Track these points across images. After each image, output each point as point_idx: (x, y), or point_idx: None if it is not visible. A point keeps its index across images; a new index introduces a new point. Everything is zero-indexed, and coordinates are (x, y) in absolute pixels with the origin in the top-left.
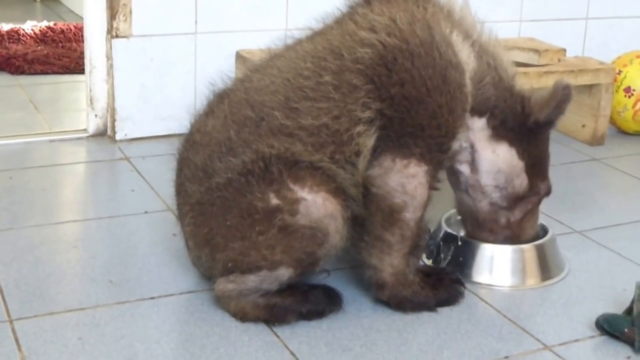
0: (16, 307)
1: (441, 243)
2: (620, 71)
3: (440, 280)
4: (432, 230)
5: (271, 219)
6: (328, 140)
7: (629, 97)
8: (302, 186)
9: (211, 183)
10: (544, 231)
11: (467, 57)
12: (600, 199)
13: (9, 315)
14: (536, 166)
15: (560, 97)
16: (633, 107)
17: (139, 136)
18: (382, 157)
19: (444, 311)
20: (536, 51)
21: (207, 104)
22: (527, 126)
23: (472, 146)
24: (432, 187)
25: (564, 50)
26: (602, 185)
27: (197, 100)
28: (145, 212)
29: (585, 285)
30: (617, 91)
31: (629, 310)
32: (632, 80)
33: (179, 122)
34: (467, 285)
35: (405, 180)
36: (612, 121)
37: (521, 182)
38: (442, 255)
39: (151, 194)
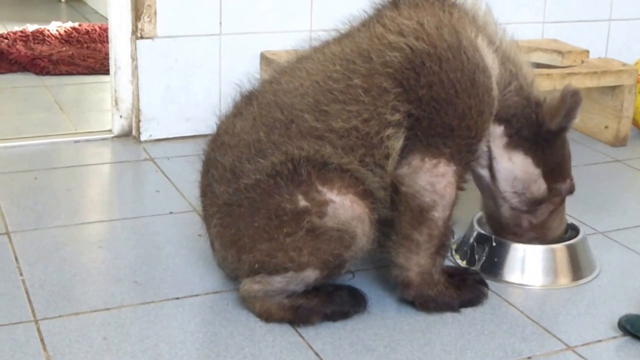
0: (41, 307)
1: (475, 244)
2: None
3: (464, 280)
4: (464, 232)
5: (299, 220)
6: (358, 143)
7: None
8: (331, 188)
9: (239, 184)
10: (575, 231)
11: (492, 62)
12: (623, 200)
13: (34, 315)
14: (555, 170)
15: (569, 105)
16: None
17: (163, 137)
18: (411, 157)
19: (468, 312)
20: (559, 52)
21: (235, 105)
22: (541, 135)
23: (491, 152)
24: (459, 188)
25: (587, 51)
26: (624, 186)
27: (221, 101)
28: (170, 212)
29: (608, 286)
30: (639, 92)
31: None
32: None
33: (204, 122)
34: (498, 285)
35: (434, 179)
36: (635, 122)
37: (539, 187)
38: (476, 256)
39: (176, 195)
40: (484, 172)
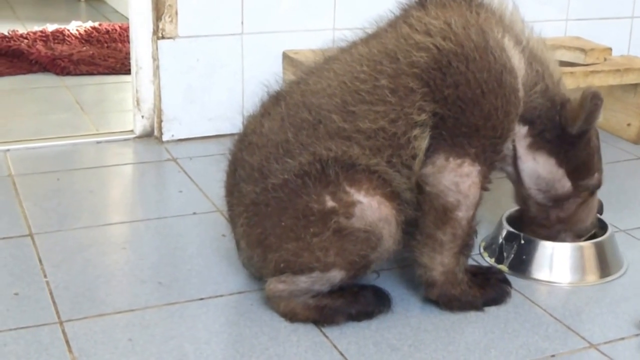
0: (66, 309)
1: (504, 242)
2: None
3: (487, 279)
4: (493, 230)
5: (326, 221)
6: (385, 143)
7: None
8: (358, 189)
9: (267, 184)
10: (602, 229)
11: (518, 62)
12: None
13: (59, 317)
14: (579, 168)
15: (590, 108)
16: None
17: (185, 137)
18: (435, 156)
19: (491, 310)
20: (582, 50)
21: (262, 105)
22: (564, 136)
23: (516, 151)
24: (483, 188)
25: (610, 49)
26: None
27: (244, 101)
28: (194, 213)
29: (631, 284)
30: None
31: None
32: None
33: (226, 122)
34: (523, 283)
35: (459, 179)
36: None
37: (562, 185)
38: (504, 254)
39: (199, 195)
40: (510, 170)
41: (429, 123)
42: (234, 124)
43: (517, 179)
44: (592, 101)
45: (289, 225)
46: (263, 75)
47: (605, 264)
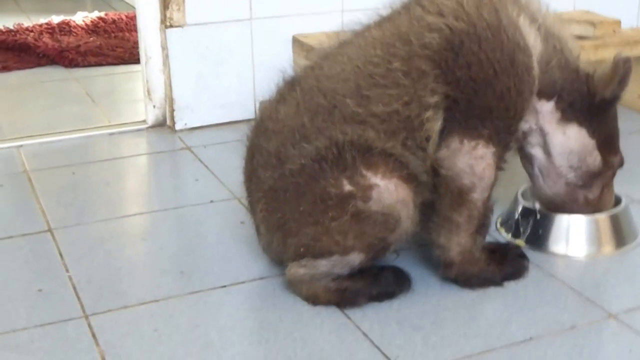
0: (90, 303)
1: (519, 217)
2: None
3: (505, 255)
4: (508, 206)
5: (344, 205)
6: (400, 126)
7: None
8: (375, 173)
9: (284, 169)
10: (617, 200)
11: (533, 41)
12: None
13: (84, 311)
14: (607, 142)
15: (623, 72)
16: None
17: (198, 125)
18: (450, 139)
19: (510, 286)
20: (591, 23)
21: (278, 91)
22: (595, 105)
23: (541, 129)
24: (499, 168)
25: (619, 21)
26: None
27: (255, 87)
28: (211, 201)
29: None
30: None
31: None
32: None
33: (239, 109)
34: (541, 257)
35: (473, 161)
36: None
37: (594, 159)
38: (521, 229)
39: (215, 183)
40: (536, 151)
41: (441, 105)
42: (246, 111)
43: (545, 161)
44: (625, 65)
45: (308, 209)
46: (273, 60)
47: (621, 235)
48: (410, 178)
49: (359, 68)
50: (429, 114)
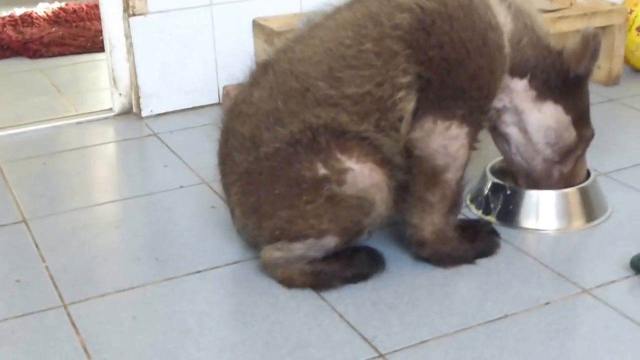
0: (68, 292)
1: (490, 193)
2: (631, 10)
3: (476, 233)
4: (477, 182)
5: (319, 188)
6: (372, 107)
7: None
8: (350, 156)
9: (259, 153)
10: (585, 174)
11: (504, 19)
12: (621, 139)
13: (62, 301)
14: (581, 117)
15: (593, 47)
16: None
17: (164, 111)
18: (423, 120)
19: (483, 263)
20: None
21: (251, 74)
22: (569, 81)
23: (516, 108)
24: (471, 148)
25: None
26: (621, 126)
27: (218, 72)
28: (181, 186)
29: (616, 226)
30: (629, 31)
31: None
32: None
33: (203, 94)
34: (512, 233)
35: (447, 142)
36: (626, 60)
37: (570, 134)
38: (491, 205)
39: (184, 168)
40: (511, 130)
41: (414, 85)
42: (210, 96)
43: (521, 139)
44: (595, 40)
45: (283, 193)
46: (235, 45)
47: (591, 209)
48: (384, 162)
49: (331, 50)
50: (401, 94)
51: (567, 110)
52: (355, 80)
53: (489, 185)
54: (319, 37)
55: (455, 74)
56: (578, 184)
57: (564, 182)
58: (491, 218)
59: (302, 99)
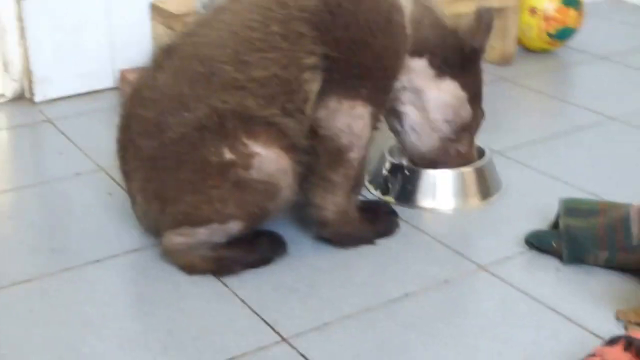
0: None
1: (388, 174)
2: None
3: (375, 213)
4: (376, 163)
5: (225, 173)
6: (279, 90)
7: (534, 17)
8: (256, 141)
9: (164, 138)
10: (480, 153)
11: (405, 1)
12: (514, 117)
13: None
14: (476, 95)
15: (486, 21)
16: (538, 26)
17: (58, 96)
18: (328, 99)
19: (383, 243)
20: None
21: (153, 59)
22: (465, 58)
23: (415, 87)
24: (374, 128)
25: None
26: (514, 104)
27: (114, 55)
28: (77, 174)
29: (511, 204)
30: (522, 12)
31: (555, 225)
32: (536, 1)
33: (98, 78)
34: (410, 212)
35: (352, 121)
36: (519, 41)
37: (466, 111)
38: (390, 186)
39: (80, 155)
40: (408, 109)
41: (319, 66)
42: (105, 80)
43: (419, 117)
44: (487, 14)
45: (188, 178)
46: (131, 27)
47: (486, 187)
48: (290, 147)
49: (237, 33)
50: (307, 75)
51: (464, 87)
52: (261, 63)
53: (387, 165)
54: (223, 20)
55: (360, 54)
56: (471, 163)
57: (460, 160)
58: (390, 198)
59: (208, 84)
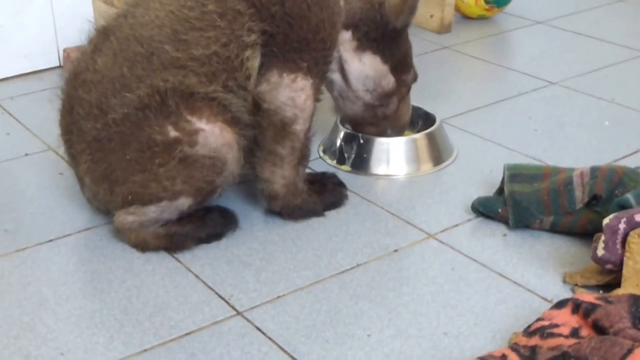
0: None
1: (343, 144)
2: None
3: (323, 185)
4: (329, 133)
5: (171, 150)
6: (220, 68)
7: None
8: (200, 117)
9: (107, 119)
10: (431, 119)
11: None
12: (455, 85)
13: None
14: (400, 64)
15: (411, 2)
16: None
17: (3, 77)
18: (269, 73)
19: (332, 215)
20: None
21: (90, 41)
22: (387, 33)
23: (341, 57)
24: (316, 99)
25: None
26: (455, 72)
27: (57, 34)
28: (26, 154)
29: (456, 171)
30: None
31: (500, 191)
32: None
33: (42, 58)
34: (358, 182)
35: (294, 94)
36: (457, 8)
37: (388, 82)
38: (345, 155)
39: (28, 135)
40: (336, 77)
41: (259, 42)
42: (50, 59)
43: (344, 85)
44: None
45: (134, 158)
46: (74, 6)
47: (438, 153)
48: (234, 121)
49: (173, 13)
50: (248, 53)
51: (385, 60)
52: (200, 42)
53: (341, 135)
54: (159, 0)
55: (298, 28)
56: (407, 122)
57: (389, 121)
58: (346, 167)
59: (148, 64)
